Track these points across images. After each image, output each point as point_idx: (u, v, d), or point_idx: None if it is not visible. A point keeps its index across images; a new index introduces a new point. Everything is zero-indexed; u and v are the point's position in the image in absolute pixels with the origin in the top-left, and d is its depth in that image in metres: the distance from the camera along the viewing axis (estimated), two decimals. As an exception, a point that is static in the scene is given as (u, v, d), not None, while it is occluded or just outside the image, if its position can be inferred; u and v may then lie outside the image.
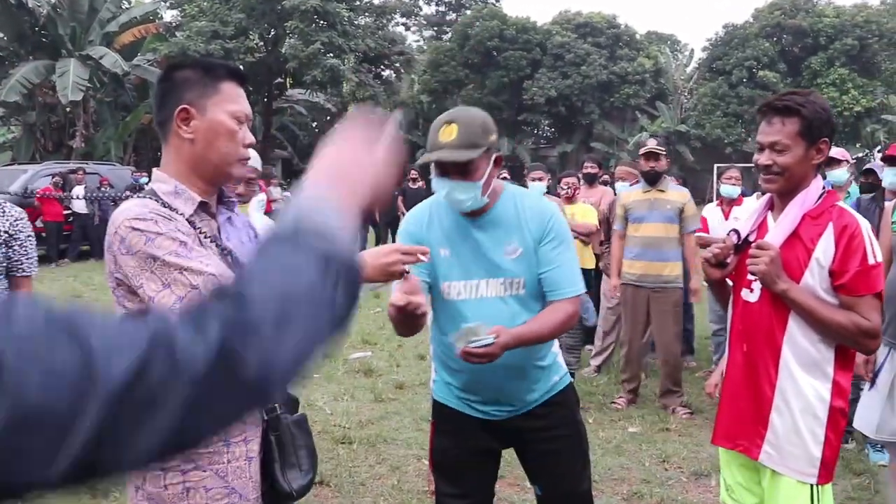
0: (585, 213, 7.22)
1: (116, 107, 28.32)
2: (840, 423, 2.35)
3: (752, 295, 2.40)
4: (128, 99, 28.50)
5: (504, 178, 12.72)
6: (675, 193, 5.73)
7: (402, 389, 6.17)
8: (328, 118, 40.79)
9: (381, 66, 36.29)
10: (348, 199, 0.90)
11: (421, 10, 46.71)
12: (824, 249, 2.27)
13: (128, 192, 14.56)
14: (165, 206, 1.84)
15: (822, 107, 2.30)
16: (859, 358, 3.33)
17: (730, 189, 6.55)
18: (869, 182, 5.37)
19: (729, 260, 2.45)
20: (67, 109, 25.69)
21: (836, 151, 5.60)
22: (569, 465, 2.58)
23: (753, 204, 2.44)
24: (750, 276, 2.37)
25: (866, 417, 3.56)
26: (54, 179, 15.53)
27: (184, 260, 1.75)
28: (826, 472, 2.33)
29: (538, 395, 2.53)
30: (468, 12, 42.37)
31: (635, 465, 4.61)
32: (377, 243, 16.96)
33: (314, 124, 42.53)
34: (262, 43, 32.25)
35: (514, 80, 38.13)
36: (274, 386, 0.74)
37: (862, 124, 35.66)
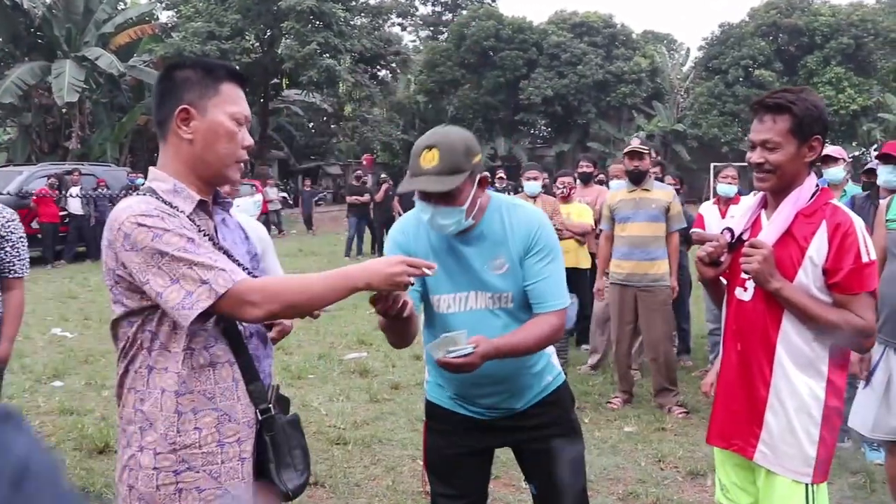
0: (581, 213, 7.22)
1: (112, 108, 28.27)
2: (835, 422, 2.33)
3: (746, 294, 2.39)
4: (124, 100, 28.46)
5: (501, 178, 12.82)
6: (660, 192, 5.73)
7: (397, 390, 6.15)
8: (324, 118, 40.81)
9: (378, 67, 36.27)
10: None
11: (417, 10, 46.71)
12: (818, 247, 2.25)
13: (124, 193, 14.57)
14: (166, 204, 1.84)
15: (815, 104, 2.28)
16: (854, 356, 3.32)
17: (726, 188, 6.56)
18: (871, 181, 5.38)
19: (723, 258, 2.43)
20: (63, 111, 25.65)
21: (832, 150, 5.61)
22: (563, 465, 2.57)
23: (749, 202, 2.44)
24: (744, 275, 2.36)
25: (862, 416, 3.57)
26: (50, 181, 15.50)
27: (193, 255, 1.76)
28: (821, 472, 2.32)
29: (531, 395, 2.53)
30: (464, 12, 42.36)
31: (631, 465, 4.60)
32: (373, 244, 16.94)
33: (310, 125, 42.49)
34: (258, 44, 32.20)
35: (511, 80, 38.12)
36: None
37: (858, 123, 35.70)
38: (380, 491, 4.20)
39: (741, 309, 2.41)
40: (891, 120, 32.47)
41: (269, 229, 23.09)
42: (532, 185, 6.67)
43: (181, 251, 1.75)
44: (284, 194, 31.38)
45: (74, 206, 15.48)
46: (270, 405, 1.98)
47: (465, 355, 2.12)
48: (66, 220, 15.48)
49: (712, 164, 24.76)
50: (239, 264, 1.97)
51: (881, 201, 3.78)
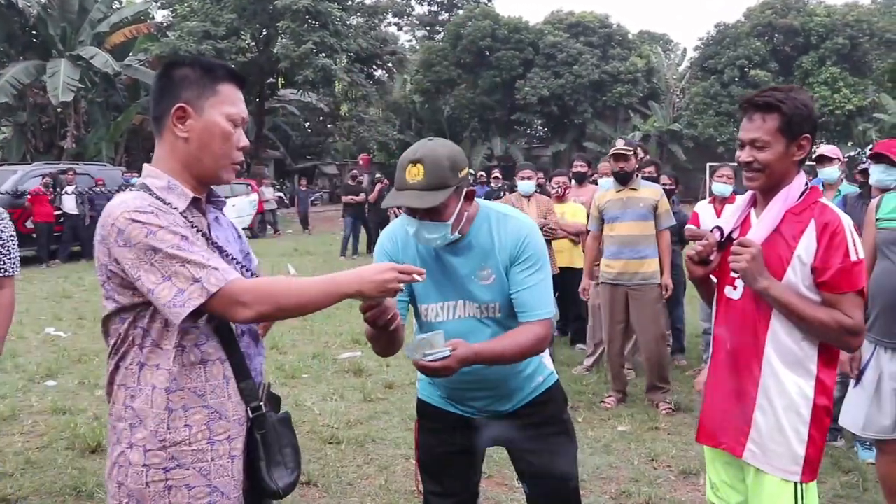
0: (575, 213, 7.25)
1: (108, 107, 28.26)
2: (824, 421, 2.33)
3: (735, 292, 2.39)
4: (119, 99, 28.43)
5: (496, 178, 12.80)
6: (648, 191, 5.74)
7: (391, 389, 6.15)
8: (321, 118, 40.77)
9: (374, 66, 36.25)
10: None
11: (413, 9, 46.75)
12: (806, 246, 2.25)
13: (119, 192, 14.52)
14: (159, 201, 1.84)
15: (804, 102, 2.28)
16: (845, 355, 3.33)
17: (722, 187, 6.58)
18: (865, 181, 5.39)
19: (712, 257, 2.43)
20: (58, 110, 25.62)
21: (827, 149, 5.62)
22: (555, 464, 2.57)
23: (740, 201, 2.45)
24: (733, 274, 2.36)
25: (852, 415, 3.57)
26: (45, 180, 15.48)
27: (186, 253, 1.76)
28: (810, 470, 2.32)
29: (521, 397, 2.53)
30: (460, 12, 42.38)
31: (624, 464, 4.61)
32: (368, 244, 16.92)
33: (307, 124, 42.48)
34: (253, 43, 32.16)
35: (507, 80, 38.14)
36: None
37: (854, 123, 35.79)
38: (372, 490, 4.20)
39: (731, 307, 2.41)
40: (886, 120, 32.52)
41: (264, 229, 23.16)
42: (526, 185, 6.68)
43: (174, 248, 1.75)
44: (280, 194, 31.41)
45: (69, 205, 15.45)
46: (261, 403, 1.98)
47: (442, 358, 2.09)
48: (61, 219, 15.45)
49: (708, 164, 24.82)
50: (233, 260, 1.98)
51: (872, 200, 3.79)
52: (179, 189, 1.90)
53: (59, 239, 15.64)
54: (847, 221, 2.27)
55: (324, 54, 29.73)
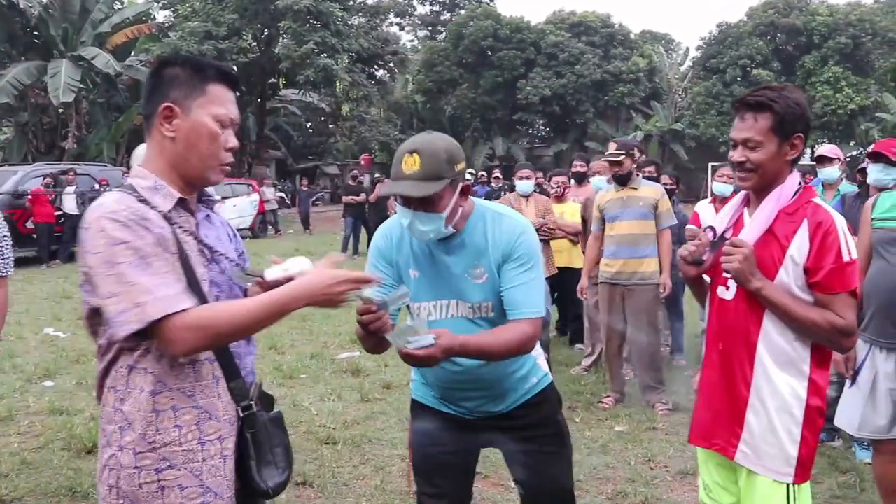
0: (574, 212, 7.23)
1: (109, 108, 28.28)
2: (817, 421, 2.32)
3: (727, 292, 2.38)
4: (120, 100, 28.44)
5: (497, 178, 12.78)
6: (648, 190, 5.73)
7: (389, 389, 6.14)
8: (322, 118, 40.79)
9: (375, 66, 36.26)
10: None
11: (415, 9, 46.79)
12: (799, 246, 2.24)
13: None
14: (142, 202, 1.83)
15: (797, 101, 2.27)
16: (839, 356, 3.32)
17: (722, 187, 6.56)
18: (865, 180, 5.38)
19: (705, 257, 2.42)
20: (59, 110, 25.66)
21: (827, 149, 5.61)
22: (550, 464, 2.56)
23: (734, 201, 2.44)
24: (725, 274, 2.35)
25: (848, 415, 3.56)
26: (45, 180, 15.49)
27: (138, 274, 1.73)
28: (803, 472, 2.30)
29: (514, 398, 2.52)
30: (462, 12, 42.40)
31: (621, 465, 4.60)
32: (368, 245, 16.91)
33: (308, 124, 42.49)
34: (255, 43, 32.16)
35: (509, 80, 38.15)
36: None
37: (856, 122, 35.75)
38: (368, 491, 4.19)
39: (723, 308, 2.40)
40: (888, 119, 32.50)
41: (265, 229, 23.17)
42: (524, 184, 6.68)
43: (129, 266, 1.72)
44: (282, 194, 31.40)
45: (69, 205, 15.45)
46: (252, 402, 1.97)
47: (427, 346, 2.07)
48: (62, 219, 15.46)
49: (710, 164, 24.76)
50: (226, 258, 1.97)
51: (868, 200, 3.78)
52: (166, 189, 1.89)
53: (59, 239, 15.65)
54: (840, 221, 2.26)
55: (325, 54, 29.72)
